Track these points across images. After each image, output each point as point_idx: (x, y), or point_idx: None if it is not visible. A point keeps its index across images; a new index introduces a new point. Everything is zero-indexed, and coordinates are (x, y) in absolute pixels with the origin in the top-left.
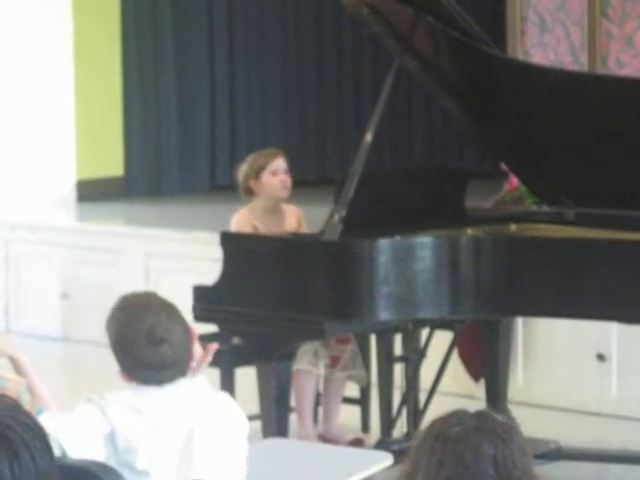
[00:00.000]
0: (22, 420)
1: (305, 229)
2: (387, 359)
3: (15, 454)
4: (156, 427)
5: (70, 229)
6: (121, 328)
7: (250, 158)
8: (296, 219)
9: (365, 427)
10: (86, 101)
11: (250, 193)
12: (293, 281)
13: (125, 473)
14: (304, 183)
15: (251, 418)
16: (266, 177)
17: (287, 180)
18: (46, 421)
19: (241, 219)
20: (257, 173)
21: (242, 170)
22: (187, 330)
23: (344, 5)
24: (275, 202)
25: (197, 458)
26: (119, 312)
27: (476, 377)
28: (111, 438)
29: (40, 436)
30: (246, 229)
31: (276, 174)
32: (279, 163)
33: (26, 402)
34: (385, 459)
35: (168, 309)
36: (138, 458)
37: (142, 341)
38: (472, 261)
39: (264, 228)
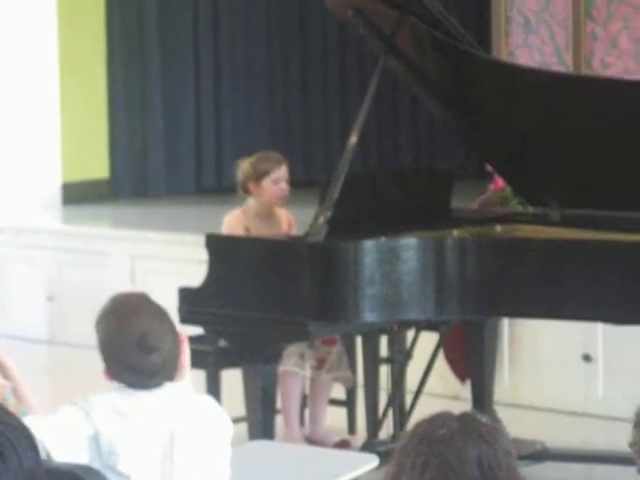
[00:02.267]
0: (6, 420)
1: (295, 232)
2: (373, 360)
3: (0, 453)
4: (138, 430)
5: (56, 231)
6: (111, 332)
7: (254, 159)
8: (287, 223)
9: (351, 429)
10: (71, 103)
11: (247, 192)
12: (278, 283)
13: (108, 475)
14: (290, 184)
15: (237, 420)
16: (267, 184)
17: (286, 190)
18: (30, 424)
19: (233, 221)
20: (259, 177)
21: (244, 168)
22: (177, 337)
23: (329, 7)
24: (269, 207)
25: (179, 461)
26: (110, 315)
27: (462, 378)
28: (95, 441)
29: (26, 436)
30: (238, 231)
31: (277, 183)
32: (282, 172)
33: (11, 405)
34: (371, 461)
35: (160, 316)
36: (120, 461)
37: (132, 348)
38: (457, 262)
39: (256, 231)
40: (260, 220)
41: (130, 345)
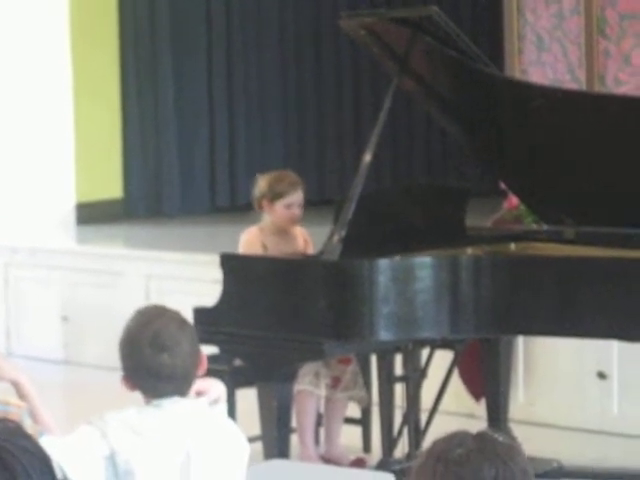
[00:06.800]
0: (21, 444)
1: (311, 249)
2: (388, 379)
3: (12, 477)
4: (154, 449)
5: (70, 252)
6: (132, 329)
7: (272, 177)
8: (302, 239)
9: (366, 447)
10: (85, 123)
11: (261, 209)
12: (293, 302)
13: None
14: (304, 203)
15: (252, 439)
16: (279, 207)
17: (299, 215)
18: (47, 444)
19: (251, 238)
20: (273, 198)
21: (260, 185)
22: (195, 351)
23: (342, 28)
24: (282, 226)
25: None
26: (138, 313)
27: (477, 396)
28: (111, 460)
29: (41, 459)
30: (256, 248)
31: (290, 207)
32: (296, 197)
33: (28, 426)
34: (387, 479)
35: (181, 323)
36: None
37: (144, 343)
38: (472, 280)
39: (273, 247)
40: (277, 237)
41: (144, 341)
